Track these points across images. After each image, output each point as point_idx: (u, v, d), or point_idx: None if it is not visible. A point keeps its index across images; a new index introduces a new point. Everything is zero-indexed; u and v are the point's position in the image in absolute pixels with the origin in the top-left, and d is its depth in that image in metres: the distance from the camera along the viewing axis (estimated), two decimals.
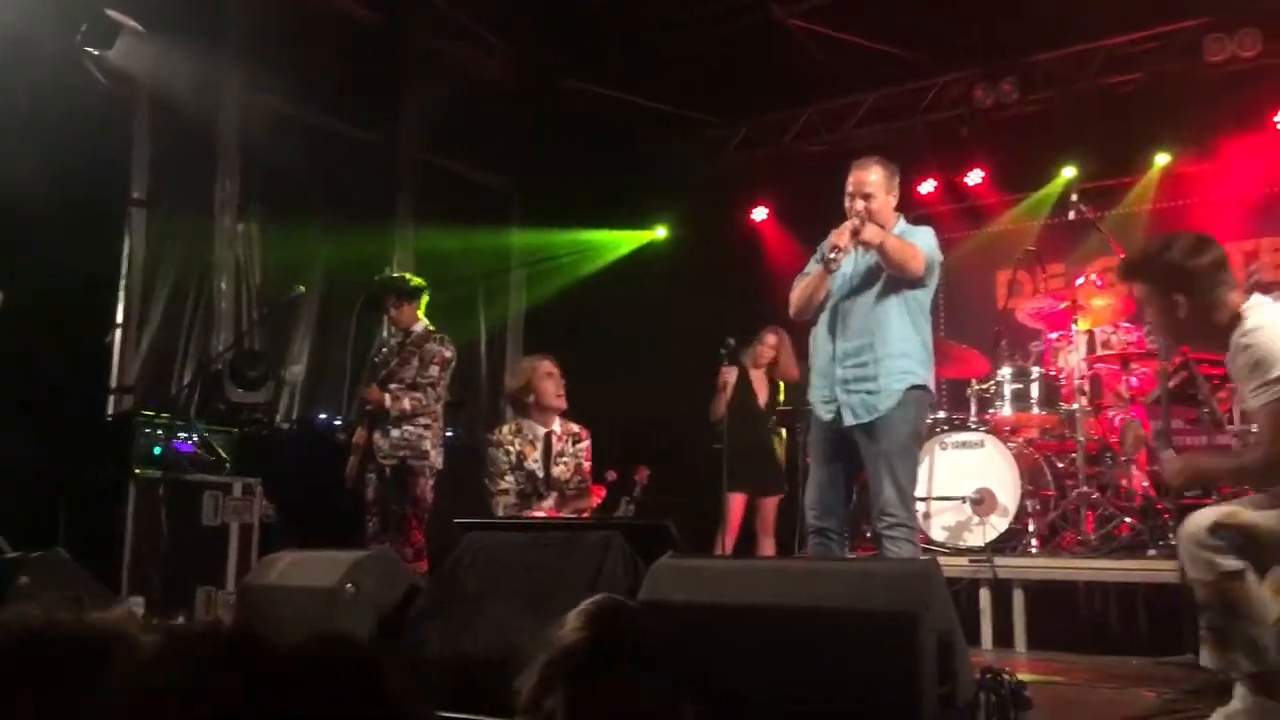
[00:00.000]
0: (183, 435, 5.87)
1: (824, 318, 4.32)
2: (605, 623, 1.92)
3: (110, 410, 6.58)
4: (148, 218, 6.92)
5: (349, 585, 3.47)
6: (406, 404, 5.56)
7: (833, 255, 4.13)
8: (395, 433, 5.57)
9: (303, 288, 6.51)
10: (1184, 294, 3.06)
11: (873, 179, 4.27)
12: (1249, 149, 7.53)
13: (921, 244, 4.21)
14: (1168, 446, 3.96)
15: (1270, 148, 7.48)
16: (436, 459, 5.62)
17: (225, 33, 7.21)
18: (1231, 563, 2.86)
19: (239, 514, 5.76)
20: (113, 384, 6.70)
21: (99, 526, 5.38)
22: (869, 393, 4.13)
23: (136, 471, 5.51)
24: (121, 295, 6.80)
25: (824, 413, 4.25)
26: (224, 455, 5.97)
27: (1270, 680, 2.86)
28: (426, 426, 5.60)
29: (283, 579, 3.72)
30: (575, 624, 1.92)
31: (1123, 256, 4.54)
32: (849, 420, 4.16)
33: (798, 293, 4.36)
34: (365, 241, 7.93)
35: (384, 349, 5.97)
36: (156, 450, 5.70)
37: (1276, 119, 7.36)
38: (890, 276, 4.20)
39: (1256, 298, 3.07)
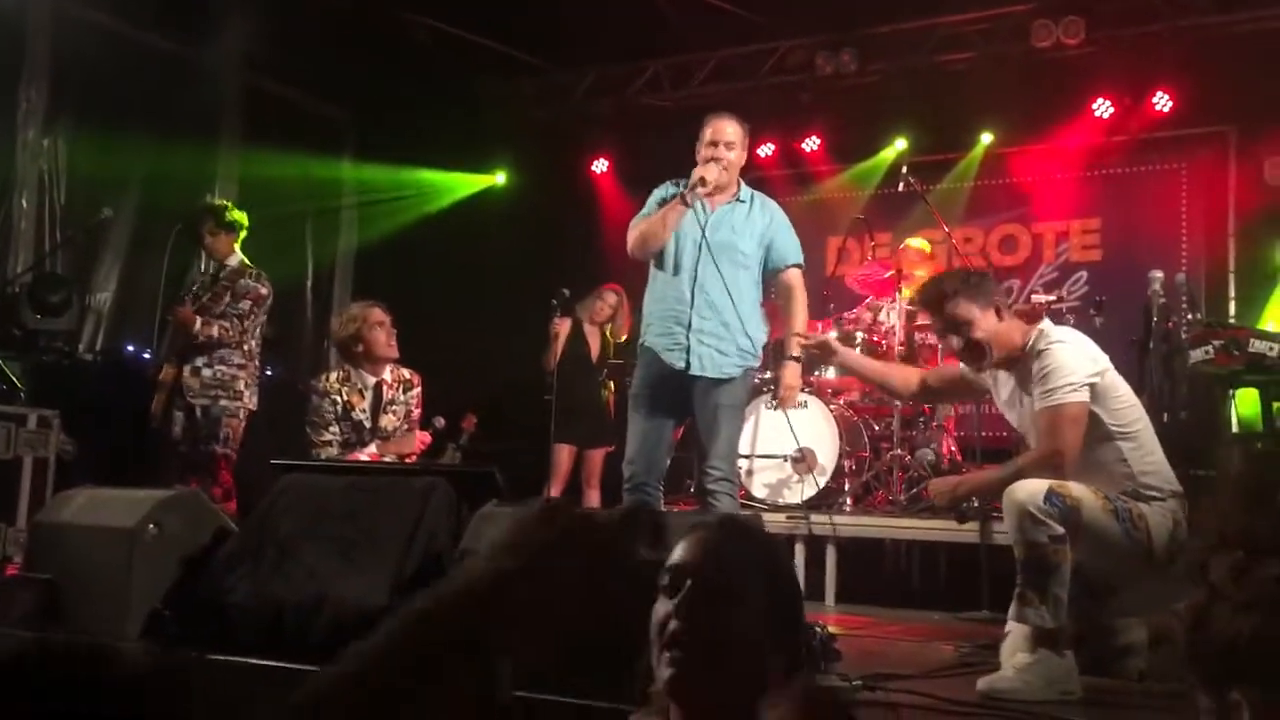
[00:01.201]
0: None
1: (683, 269, 4.30)
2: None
3: None
4: None
5: (151, 526, 3.28)
6: (215, 330, 5.31)
7: (699, 189, 4.16)
8: (207, 372, 5.32)
9: (110, 211, 6.11)
10: (956, 334, 3.41)
11: (731, 131, 4.32)
12: (1067, 134, 7.91)
13: (793, 255, 4.40)
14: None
15: (1086, 134, 7.87)
16: (251, 400, 5.40)
17: None
18: (1060, 528, 3.09)
19: (33, 447, 5.38)
20: None
21: None
22: (720, 352, 4.21)
23: None
24: None
25: (672, 359, 4.26)
26: (19, 384, 5.61)
27: (1058, 635, 3.10)
28: (240, 366, 5.37)
29: (78, 517, 3.46)
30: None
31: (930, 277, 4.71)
32: (697, 369, 4.21)
33: (641, 229, 4.35)
34: (185, 163, 7.45)
35: (195, 284, 5.68)
36: None
37: (1094, 106, 7.74)
38: (749, 251, 4.30)
39: (1046, 322, 3.44)
